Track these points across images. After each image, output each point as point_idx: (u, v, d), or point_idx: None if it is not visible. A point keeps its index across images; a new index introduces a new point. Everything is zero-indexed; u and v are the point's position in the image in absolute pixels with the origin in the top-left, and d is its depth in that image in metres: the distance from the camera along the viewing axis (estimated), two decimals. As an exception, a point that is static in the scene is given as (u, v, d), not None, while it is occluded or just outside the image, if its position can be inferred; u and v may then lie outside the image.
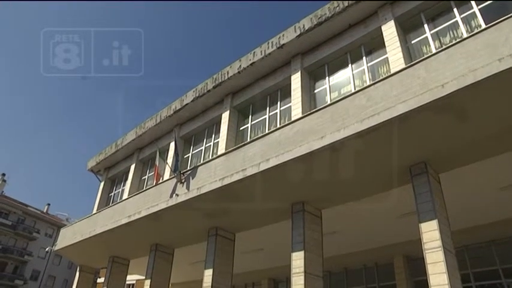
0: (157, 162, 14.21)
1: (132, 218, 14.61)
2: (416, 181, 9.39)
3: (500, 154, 9.12)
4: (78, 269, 20.60)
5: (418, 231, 8.87)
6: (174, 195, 13.06)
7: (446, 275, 8.09)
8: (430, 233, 8.67)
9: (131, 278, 24.50)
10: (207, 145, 17.37)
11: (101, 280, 25.27)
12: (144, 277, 16.32)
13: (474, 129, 8.47)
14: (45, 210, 60.54)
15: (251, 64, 15.27)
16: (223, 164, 11.88)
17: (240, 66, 15.65)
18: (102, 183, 24.05)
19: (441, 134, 8.73)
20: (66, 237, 19.25)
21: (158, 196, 13.89)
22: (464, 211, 11.29)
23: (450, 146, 9.07)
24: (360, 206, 11.54)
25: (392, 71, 10.46)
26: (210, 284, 12.68)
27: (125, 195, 20.08)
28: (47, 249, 27.97)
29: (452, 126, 8.44)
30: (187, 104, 17.80)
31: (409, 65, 9.00)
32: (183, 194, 12.70)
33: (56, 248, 19.99)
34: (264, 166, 10.37)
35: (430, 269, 8.40)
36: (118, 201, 18.25)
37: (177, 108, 18.25)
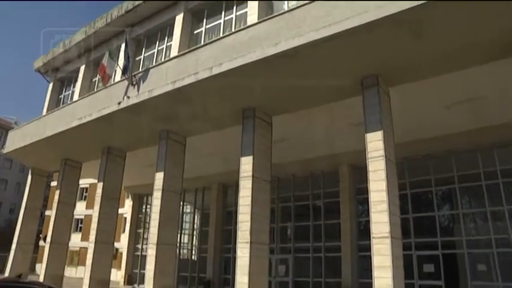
0: (105, 62, 13.51)
1: (83, 121, 14.29)
2: (367, 93, 9.65)
3: (448, 73, 9.40)
4: (30, 172, 20.38)
5: (364, 141, 9.29)
6: (125, 97, 12.74)
7: (385, 182, 8.73)
8: (375, 143, 9.14)
9: (85, 182, 24.74)
10: (159, 48, 16.63)
11: (54, 183, 25.32)
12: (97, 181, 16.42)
13: (427, 46, 8.59)
14: (-10, 113, 57.98)
15: (207, -35, 14.25)
16: (176, 67, 11.55)
17: (196, -34, 14.58)
18: (50, 85, 22.91)
19: (395, 49, 8.81)
20: (15, 140, 18.78)
21: (109, 98, 13.50)
22: (409, 125, 11.89)
23: (403, 61, 9.23)
24: (311, 115, 11.83)
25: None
26: (161, 187, 12.99)
27: (76, 97, 19.35)
28: (-5, 152, 27.23)
29: (407, 42, 8.50)
30: (139, 5, 16.65)
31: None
32: (134, 97, 12.43)
33: (5, 151, 19.51)
34: (216, 70, 10.20)
35: (371, 176, 9.01)
36: (68, 103, 17.70)
37: (129, 8, 16.98)
